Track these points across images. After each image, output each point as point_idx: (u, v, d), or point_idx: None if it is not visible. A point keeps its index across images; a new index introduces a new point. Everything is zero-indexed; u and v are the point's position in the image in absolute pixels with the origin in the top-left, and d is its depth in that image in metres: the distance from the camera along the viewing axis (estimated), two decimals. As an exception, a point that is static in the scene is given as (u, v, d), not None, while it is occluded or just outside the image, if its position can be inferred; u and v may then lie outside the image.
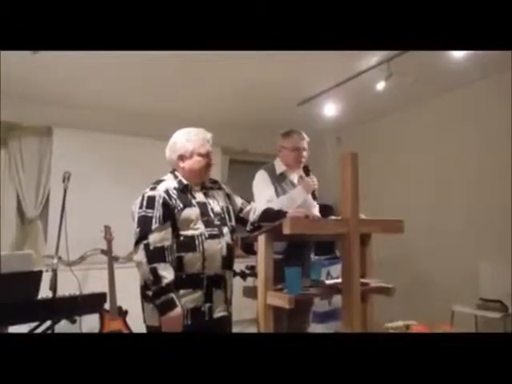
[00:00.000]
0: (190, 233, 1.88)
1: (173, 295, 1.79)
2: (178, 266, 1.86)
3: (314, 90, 4.08)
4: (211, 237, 1.91)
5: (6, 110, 3.97)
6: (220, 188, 2.16)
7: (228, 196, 2.16)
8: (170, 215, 1.87)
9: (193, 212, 1.91)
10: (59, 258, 2.58)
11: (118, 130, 4.55)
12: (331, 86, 3.92)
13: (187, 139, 2.02)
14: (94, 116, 4.46)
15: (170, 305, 1.78)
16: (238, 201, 2.20)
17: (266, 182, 2.55)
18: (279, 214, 2.07)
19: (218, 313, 1.91)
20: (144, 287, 1.90)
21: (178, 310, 1.79)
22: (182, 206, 1.90)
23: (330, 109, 4.21)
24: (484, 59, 3.14)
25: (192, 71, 3.60)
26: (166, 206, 1.87)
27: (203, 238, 1.89)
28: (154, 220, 1.84)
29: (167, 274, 1.79)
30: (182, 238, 1.87)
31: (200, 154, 2.00)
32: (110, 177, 4.47)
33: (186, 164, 2.01)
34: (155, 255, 1.80)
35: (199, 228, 1.90)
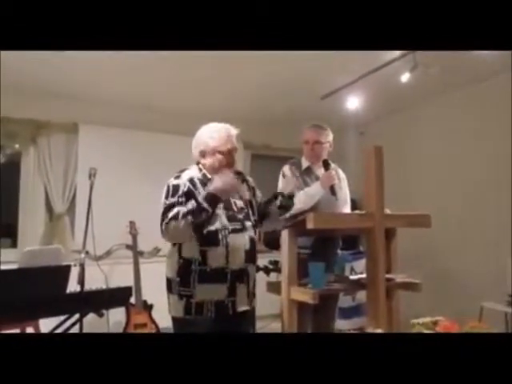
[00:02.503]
0: (213, 227, 1.88)
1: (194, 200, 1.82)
2: (203, 259, 1.87)
3: (336, 83, 4.02)
4: (234, 231, 1.90)
5: (34, 108, 4.09)
6: (244, 180, 2.14)
7: (253, 189, 2.15)
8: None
9: None
10: (86, 253, 2.63)
11: (142, 127, 4.60)
12: (354, 79, 3.86)
13: (209, 136, 2.00)
14: (119, 113, 4.51)
15: (205, 195, 1.83)
16: (259, 195, 2.19)
17: (287, 177, 2.54)
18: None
19: (242, 307, 1.92)
20: (169, 279, 1.93)
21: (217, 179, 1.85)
22: None
23: (353, 102, 4.15)
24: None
25: (215, 68, 3.60)
26: (190, 195, 1.88)
27: (226, 232, 1.89)
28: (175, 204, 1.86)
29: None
30: (205, 232, 1.87)
31: (221, 152, 1.97)
32: (134, 172, 4.53)
33: (207, 160, 2.00)
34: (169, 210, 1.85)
35: (222, 222, 1.90)
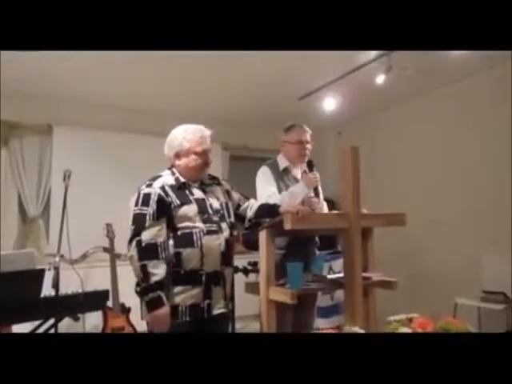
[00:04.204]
0: (188, 229, 1.87)
1: (160, 293, 1.78)
2: (177, 261, 1.86)
3: (313, 84, 4.06)
4: (209, 232, 1.90)
5: (6, 108, 3.97)
6: (219, 184, 2.15)
7: (227, 192, 2.16)
8: (165, 212, 1.87)
9: (190, 209, 1.90)
10: (61, 256, 2.57)
11: (118, 128, 4.54)
12: (331, 80, 3.90)
13: (184, 137, 2.00)
14: (94, 114, 4.45)
15: (157, 303, 1.77)
16: (236, 197, 2.19)
17: (267, 177, 2.53)
18: (273, 209, 2.07)
19: (217, 310, 1.90)
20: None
21: (164, 309, 1.78)
22: (179, 202, 1.89)
23: (330, 103, 4.19)
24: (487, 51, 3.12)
25: (192, 68, 3.58)
26: (162, 203, 1.87)
27: (201, 233, 1.88)
28: (147, 217, 1.84)
29: (157, 271, 1.78)
30: (179, 234, 1.87)
31: (196, 153, 1.98)
32: (110, 174, 4.47)
33: (182, 162, 2.00)
34: (146, 252, 1.80)
35: (197, 224, 1.89)
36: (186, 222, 1.88)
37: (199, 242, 1.86)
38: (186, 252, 1.85)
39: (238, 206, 2.16)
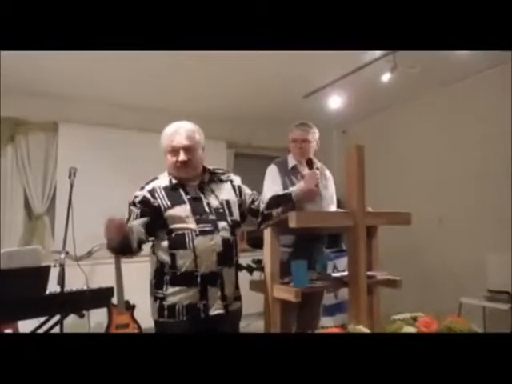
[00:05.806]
0: (180, 230, 1.85)
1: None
2: (172, 263, 1.84)
3: (319, 82, 4.05)
4: (203, 233, 1.85)
5: (12, 106, 4.00)
6: (228, 180, 2.09)
7: (239, 188, 2.10)
8: (150, 213, 1.86)
9: (182, 209, 1.87)
10: (67, 253, 2.59)
11: (124, 125, 4.55)
12: (336, 78, 3.89)
13: (161, 138, 1.97)
14: (99, 112, 4.47)
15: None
16: (249, 192, 2.13)
17: (273, 176, 2.54)
18: (285, 197, 2.04)
19: (214, 310, 1.87)
20: (150, 281, 1.92)
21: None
22: (169, 204, 1.87)
23: (336, 101, 4.18)
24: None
25: (197, 66, 3.59)
26: (147, 205, 1.87)
27: (193, 234, 1.84)
28: (133, 216, 1.87)
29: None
30: (173, 236, 1.85)
31: (168, 152, 1.93)
32: (115, 172, 4.48)
33: (166, 162, 1.98)
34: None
35: (190, 225, 1.85)
36: (179, 223, 1.85)
37: (191, 244, 1.83)
38: (179, 254, 1.83)
39: (253, 200, 2.10)
